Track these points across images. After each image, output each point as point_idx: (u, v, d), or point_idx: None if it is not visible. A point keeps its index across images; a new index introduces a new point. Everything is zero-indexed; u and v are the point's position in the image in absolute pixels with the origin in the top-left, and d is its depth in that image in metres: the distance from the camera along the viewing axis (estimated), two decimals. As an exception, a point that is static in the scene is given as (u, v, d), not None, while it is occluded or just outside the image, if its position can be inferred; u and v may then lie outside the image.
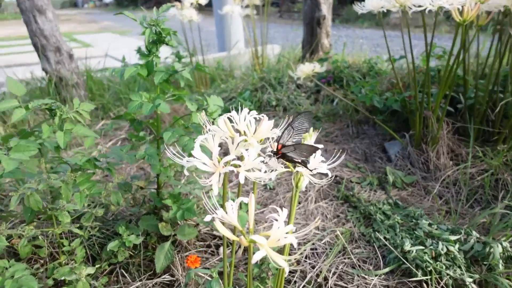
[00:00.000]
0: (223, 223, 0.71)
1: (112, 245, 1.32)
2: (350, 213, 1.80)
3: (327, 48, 4.00)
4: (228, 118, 0.89)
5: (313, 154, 0.91)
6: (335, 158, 1.03)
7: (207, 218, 0.69)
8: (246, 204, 1.41)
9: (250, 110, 0.94)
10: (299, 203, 1.90)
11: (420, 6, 1.61)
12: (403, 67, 3.17)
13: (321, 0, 3.83)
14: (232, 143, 0.84)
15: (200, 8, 4.08)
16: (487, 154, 1.97)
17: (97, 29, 13.71)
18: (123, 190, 1.43)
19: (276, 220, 0.66)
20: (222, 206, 0.78)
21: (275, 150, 0.90)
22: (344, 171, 2.16)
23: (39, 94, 3.30)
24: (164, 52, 4.08)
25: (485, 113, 2.03)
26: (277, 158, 0.90)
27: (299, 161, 0.89)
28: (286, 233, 0.64)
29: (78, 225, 1.23)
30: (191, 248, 1.51)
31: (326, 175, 1.00)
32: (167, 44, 1.26)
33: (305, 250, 1.53)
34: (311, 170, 0.90)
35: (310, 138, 1.02)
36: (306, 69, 2.22)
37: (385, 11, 1.91)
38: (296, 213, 1.82)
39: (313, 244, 1.57)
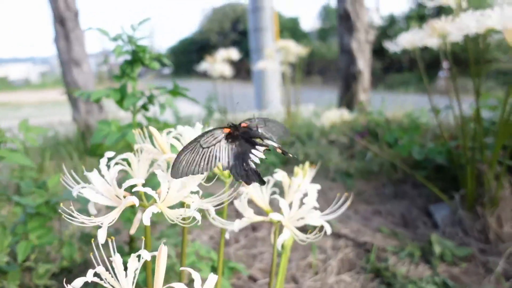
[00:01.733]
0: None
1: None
2: (380, 292, 1.38)
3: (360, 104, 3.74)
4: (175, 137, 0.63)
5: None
6: (337, 204, 0.72)
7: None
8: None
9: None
10: (316, 273, 1.51)
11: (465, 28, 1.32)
12: (449, 122, 2.80)
13: (357, 55, 3.66)
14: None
15: (237, 76, 4.08)
16: None
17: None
18: (84, 241, 1.16)
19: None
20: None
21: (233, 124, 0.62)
22: (377, 237, 1.76)
23: (64, 142, 3.28)
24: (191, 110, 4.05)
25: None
26: (232, 139, 0.60)
27: (267, 143, 0.60)
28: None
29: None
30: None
31: (321, 229, 0.68)
32: (144, 65, 1.07)
33: None
34: (284, 153, 0.60)
35: (304, 176, 0.73)
36: (333, 116, 1.95)
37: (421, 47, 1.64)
38: (310, 287, 1.43)
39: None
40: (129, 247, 1.21)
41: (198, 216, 0.52)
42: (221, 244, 0.78)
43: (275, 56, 4.35)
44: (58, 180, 1.19)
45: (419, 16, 14.74)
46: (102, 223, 0.49)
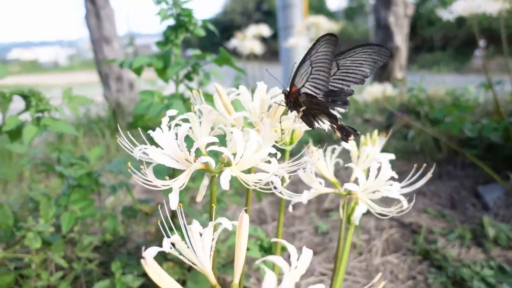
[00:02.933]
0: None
1: (100, 286, 1.01)
2: (432, 276, 1.30)
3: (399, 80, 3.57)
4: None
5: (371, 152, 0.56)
6: (412, 178, 0.64)
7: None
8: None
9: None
10: (360, 254, 1.45)
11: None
12: (490, 100, 2.62)
13: (394, 30, 3.47)
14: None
15: (263, 56, 3.98)
16: None
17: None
18: (126, 215, 1.14)
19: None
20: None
21: (287, 93, 0.60)
22: (423, 218, 1.67)
23: (96, 120, 3.31)
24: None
25: None
26: (291, 109, 0.60)
27: (326, 113, 0.58)
28: None
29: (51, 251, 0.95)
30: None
31: (398, 202, 0.61)
32: (189, 32, 1.00)
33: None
34: (343, 132, 0.59)
35: (373, 144, 0.65)
36: (375, 91, 1.84)
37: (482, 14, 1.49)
38: (355, 268, 1.37)
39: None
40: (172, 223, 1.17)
41: (279, 183, 0.46)
42: (280, 220, 0.72)
43: (305, 33, 4.20)
44: (98, 153, 1.16)
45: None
46: (172, 187, 0.44)
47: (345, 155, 0.76)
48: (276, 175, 0.47)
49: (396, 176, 0.64)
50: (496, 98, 1.62)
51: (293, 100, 0.59)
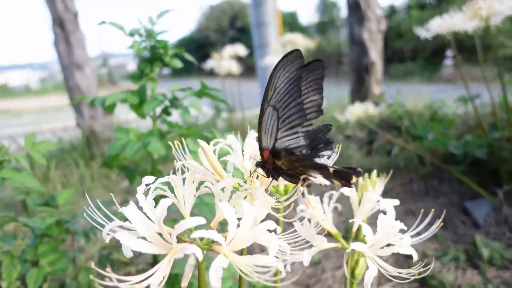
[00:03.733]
0: None
1: None
2: (431, 304, 1.25)
3: (378, 97, 3.59)
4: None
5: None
6: (422, 222, 0.59)
7: None
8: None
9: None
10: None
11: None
12: (469, 113, 2.65)
13: (369, 45, 3.51)
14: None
15: (242, 75, 3.94)
16: None
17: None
18: (103, 265, 1.03)
19: None
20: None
21: (262, 164, 0.49)
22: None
23: (69, 149, 3.16)
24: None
25: None
26: (275, 178, 0.50)
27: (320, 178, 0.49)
28: None
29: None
30: None
31: (410, 257, 0.54)
32: (164, 64, 0.94)
33: None
34: (340, 179, 0.47)
35: (373, 186, 0.60)
36: (357, 111, 1.81)
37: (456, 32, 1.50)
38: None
39: None
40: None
41: (282, 268, 0.39)
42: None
43: (281, 50, 4.21)
44: (68, 196, 1.06)
45: (420, 5, 14.52)
46: (150, 285, 0.36)
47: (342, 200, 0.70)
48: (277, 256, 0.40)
49: (405, 228, 0.58)
50: (478, 113, 1.62)
51: (271, 167, 0.49)
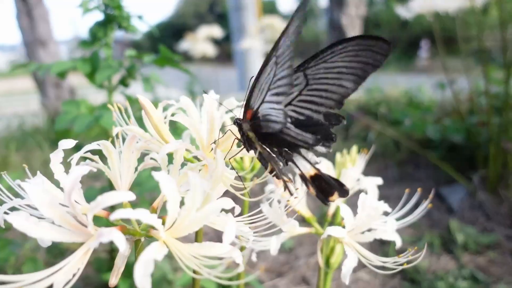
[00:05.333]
0: None
1: None
2: (406, 291, 1.21)
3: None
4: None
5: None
6: (409, 204, 0.54)
7: None
8: None
9: None
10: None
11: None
12: (446, 99, 2.65)
13: (348, 31, 3.46)
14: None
15: (217, 59, 3.81)
16: None
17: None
18: (52, 254, 0.93)
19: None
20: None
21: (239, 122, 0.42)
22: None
23: (32, 131, 2.98)
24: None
25: None
26: (247, 147, 0.43)
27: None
28: None
29: None
30: None
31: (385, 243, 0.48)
32: (122, 28, 0.83)
33: None
34: (322, 188, 0.43)
35: (353, 164, 0.53)
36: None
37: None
38: None
39: None
40: (110, 258, 0.98)
41: (240, 258, 0.31)
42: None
43: (258, 35, 4.10)
44: (18, 176, 0.95)
45: (398, -4, 14.68)
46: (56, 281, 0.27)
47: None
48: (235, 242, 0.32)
49: (389, 210, 0.52)
50: (457, 98, 1.59)
51: (248, 132, 0.42)
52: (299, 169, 0.43)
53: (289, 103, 0.43)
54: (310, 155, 0.44)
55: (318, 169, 0.41)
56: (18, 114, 3.82)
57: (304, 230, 0.54)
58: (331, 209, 0.58)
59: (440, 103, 2.14)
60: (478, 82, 2.08)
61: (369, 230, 0.51)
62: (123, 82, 0.86)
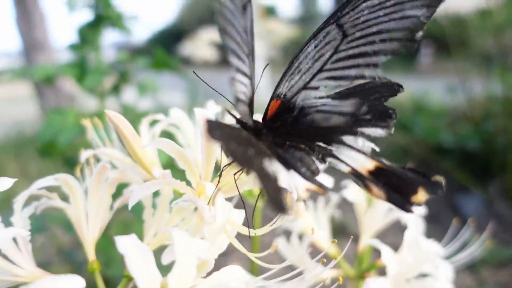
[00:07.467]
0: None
1: None
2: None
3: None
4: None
5: None
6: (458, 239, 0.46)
7: None
8: None
9: None
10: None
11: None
12: (456, 104, 2.57)
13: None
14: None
15: (218, 64, 3.75)
16: None
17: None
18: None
19: None
20: None
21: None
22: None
23: (30, 140, 2.92)
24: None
25: None
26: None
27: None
28: None
29: None
30: None
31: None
32: (116, 26, 0.76)
33: None
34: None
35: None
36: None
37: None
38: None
39: None
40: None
41: None
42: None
43: (259, 39, 4.04)
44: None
45: None
46: None
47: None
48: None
49: (443, 252, 0.43)
50: (472, 103, 1.51)
51: (267, 128, 0.32)
52: (347, 165, 0.30)
53: (320, 70, 0.33)
54: (361, 142, 0.32)
55: (379, 160, 0.30)
56: (18, 120, 3.76)
57: (332, 273, 0.45)
58: (360, 245, 0.50)
59: (451, 108, 2.06)
60: (491, 86, 2.00)
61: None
62: (116, 88, 0.79)
